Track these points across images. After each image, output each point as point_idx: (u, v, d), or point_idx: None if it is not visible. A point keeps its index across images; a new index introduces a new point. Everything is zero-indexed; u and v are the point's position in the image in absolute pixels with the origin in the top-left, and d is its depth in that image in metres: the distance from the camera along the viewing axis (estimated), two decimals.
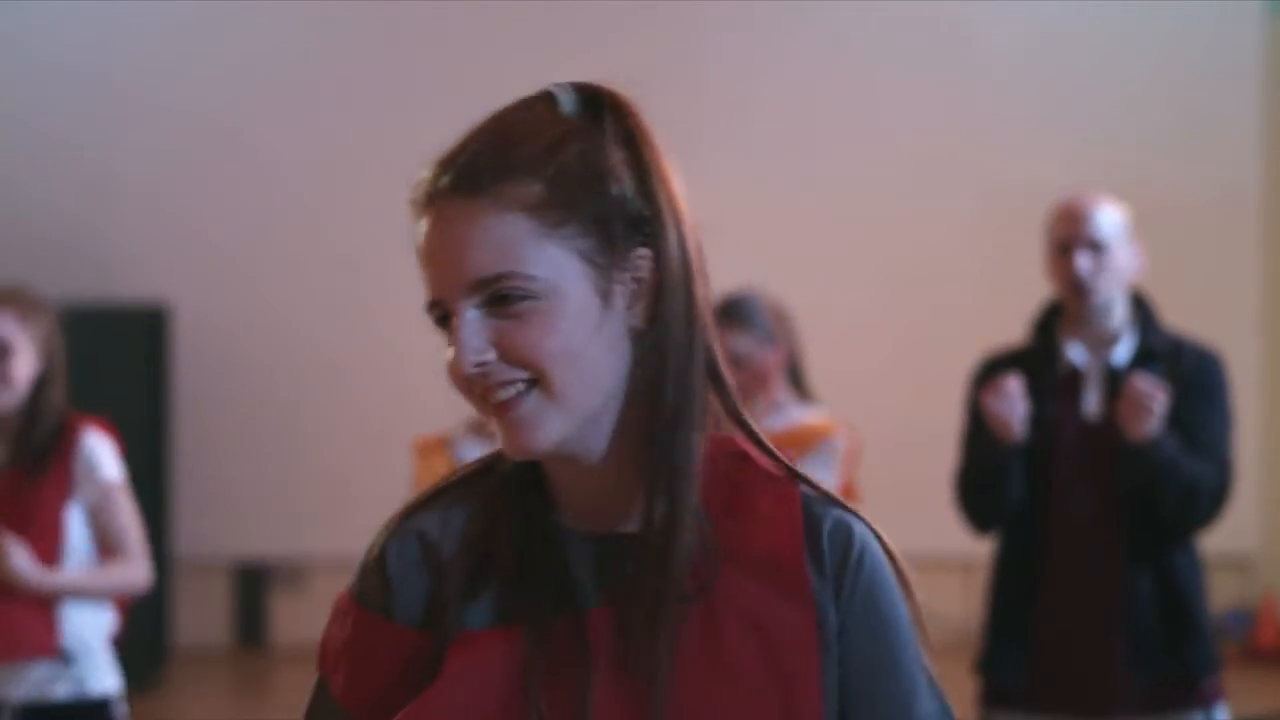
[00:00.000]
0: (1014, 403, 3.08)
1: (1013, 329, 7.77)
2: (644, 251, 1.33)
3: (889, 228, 7.65)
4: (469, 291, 1.34)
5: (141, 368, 6.94)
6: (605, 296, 1.31)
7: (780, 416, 3.54)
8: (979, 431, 3.26)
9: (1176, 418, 3.09)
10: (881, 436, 8.02)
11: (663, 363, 1.33)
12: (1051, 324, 3.32)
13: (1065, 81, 7.86)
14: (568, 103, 1.43)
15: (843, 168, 7.66)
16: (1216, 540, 7.94)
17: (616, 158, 1.37)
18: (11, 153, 7.59)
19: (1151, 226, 7.92)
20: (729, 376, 1.39)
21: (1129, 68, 7.89)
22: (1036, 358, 3.27)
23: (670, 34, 7.77)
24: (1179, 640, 3.09)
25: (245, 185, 7.65)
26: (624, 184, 1.35)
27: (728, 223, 6.95)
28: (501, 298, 1.31)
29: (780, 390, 3.56)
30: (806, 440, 3.48)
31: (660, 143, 1.43)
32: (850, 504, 1.49)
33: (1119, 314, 3.24)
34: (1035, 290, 8.01)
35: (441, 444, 3.24)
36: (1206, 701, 3.14)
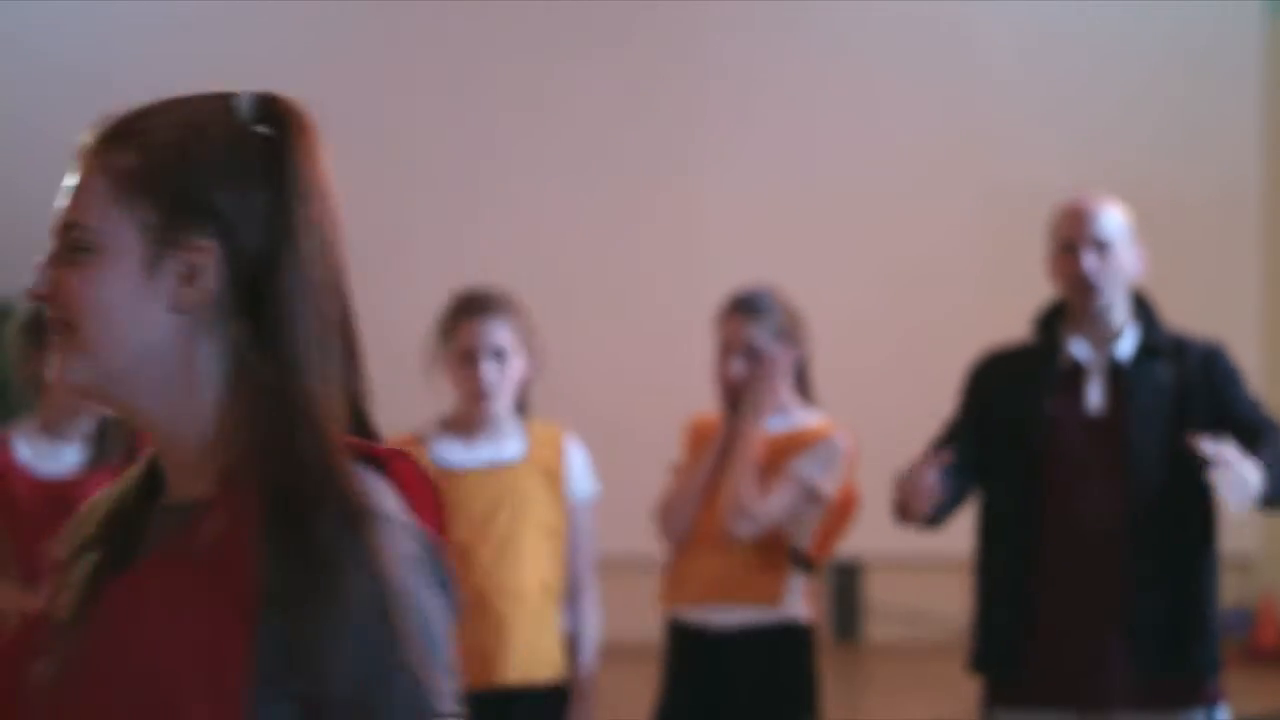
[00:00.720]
0: (922, 491, 3.10)
1: (1013, 328, 7.77)
2: (206, 243, 1.42)
3: (889, 228, 7.65)
4: (56, 232, 1.49)
5: None
6: (150, 270, 1.42)
7: (784, 418, 3.57)
8: (962, 424, 3.30)
9: (1223, 415, 3.13)
10: (881, 436, 8.02)
11: (263, 359, 1.41)
12: (1054, 321, 3.33)
13: (1065, 81, 7.86)
14: (240, 106, 1.55)
15: (843, 168, 7.66)
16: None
17: (254, 164, 1.48)
18: (13, 152, 7.61)
19: (1151, 226, 7.93)
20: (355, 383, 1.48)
21: (1129, 68, 7.89)
22: (1037, 353, 3.28)
23: (671, 34, 7.78)
24: (1186, 639, 3.09)
25: None
26: (245, 186, 1.46)
27: (728, 223, 7.03)
28: (69, 245, 1.45)
29: (786, 392, 3.59)
30: (808, 442, 3.50)
31: (326, 163, 1.61)
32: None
33: (1121, 312, 3.25)
34: (1036, 290, 8.01)
35: (414, 442, 3.27)
36: (1209, 701, 3.15)
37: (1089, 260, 3.19)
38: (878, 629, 7.79)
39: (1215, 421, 3.09)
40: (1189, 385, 3.14)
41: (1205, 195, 7.89)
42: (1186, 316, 8.49)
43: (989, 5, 7.87)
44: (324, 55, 7.73)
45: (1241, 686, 7.15)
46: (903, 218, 7.64)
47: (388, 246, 7.71)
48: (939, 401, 8.38)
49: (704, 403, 8.61)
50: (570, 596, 3.27)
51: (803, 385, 3.67)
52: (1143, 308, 3.29)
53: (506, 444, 3.28)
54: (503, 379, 3.26)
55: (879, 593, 7.80)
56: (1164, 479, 3.10)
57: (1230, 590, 7.86)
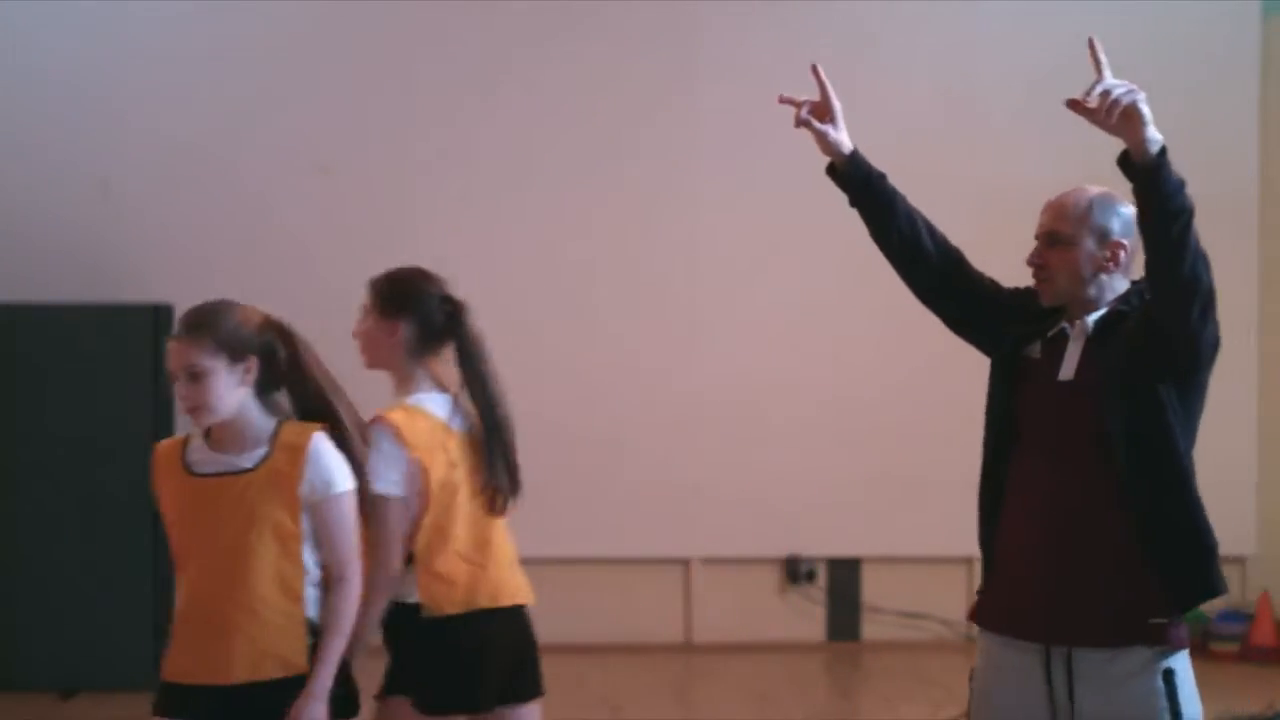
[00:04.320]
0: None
1: None
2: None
3: None
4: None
5: (142, 368, 6.96)
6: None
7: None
8: (994, 288, 3.62)
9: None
10: (880, 436, 8.05)
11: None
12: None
13: (1064, 81, 7.87)
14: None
15: None
16: None
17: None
18: (18, 161, 7.61)
19: None
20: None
21: (1128, 68, 7.88)
22: (1042, 311, 3.33)
23: (671, 34, 7.79)
24: (1144, 581, 3.12)
25: (245, 187, 7.67)
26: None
27: (725, 223, 7.04)
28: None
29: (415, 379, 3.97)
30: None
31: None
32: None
33: (1100, 297, 3.27)
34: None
35: (176, 445, 3.47)
36: (1161, 642, 3.16)
37: (1033, 254, 3.33)
38: (876, 628, 7.81)
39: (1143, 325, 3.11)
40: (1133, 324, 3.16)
41: (1203, 194, 7.87)
42: None
43: (989, 5, 7.88)
44: (322, 64, 7.74)
45: (1239, 685, 7.18)
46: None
47: (397, 247, 7.72)
48: (937, 402, 8.44)
49: (705, 404, 8.60)
50: (330, 587, 3.35)
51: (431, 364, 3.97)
52: (1133, 297, 3.29)
53: (248, 452, 3.38)
54: (207, 394, 3.34)
55: (877, 592, 7.81)
56: (1131, 431, 3.12)
57: (1228, 590, 7.92)
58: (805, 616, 7.86)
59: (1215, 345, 3.09)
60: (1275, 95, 7.94)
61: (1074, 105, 3.13)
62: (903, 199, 3.65)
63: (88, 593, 6.90)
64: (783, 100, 3.61)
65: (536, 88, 7.76)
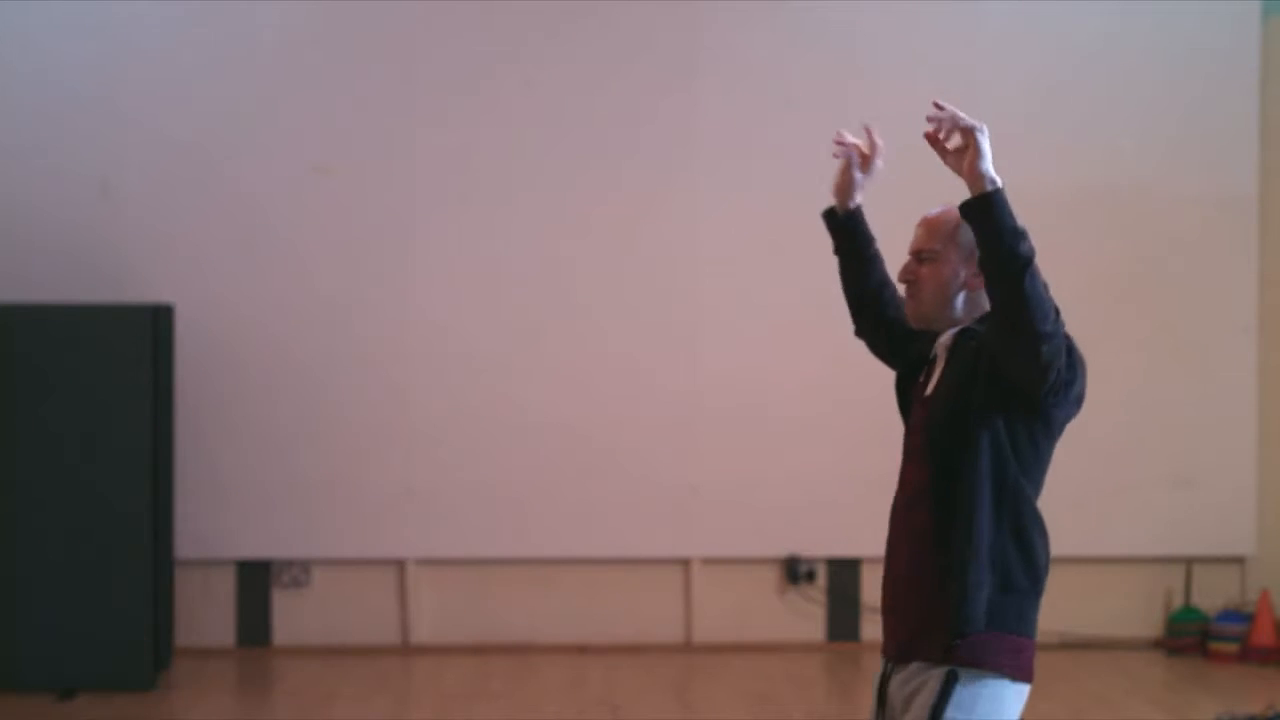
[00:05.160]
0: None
1: None
2: None
3: (888, 228, 7.65)
4: None
5: (142, 368, 6.96)
6: None
7: None
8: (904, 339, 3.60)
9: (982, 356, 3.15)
10: (880, 436, 8.04)
11: None
12: None
13: (1064, 80, 7.88)
14: None
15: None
16: (1214, 541, 7.99)
17: None
18: (18, 161, 7.61)
19: (1150, 226, 7.99)
20: None
21: (1128, 68, 7.90)
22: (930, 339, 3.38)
23: (671, 33, 7.79)
24: (942, 601, 3.12)
25: (245, 187, 7.67)
26: None
27: (725, 223, 7.07)
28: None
29: None
30: None
31: None
32: None
33: (966, 316, 3.28)
34: None
35: None
36: (956, 662, 3.11)
37: (904, 269, 3.35)
38: (875, 628, 7.81)
39: (983, 361, 3.10)
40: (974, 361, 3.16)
41: (1202, 195, 7.91)
42: (1183, 316, 8.55)
43: (989, 5, 7.88)
44: (323, 61, 7.74)
45: (1240, 686, 7.18)
46: (901, 219, 7.64)
47: (398, 248, 7.73)
48: None
49: (704, 404, 8.61)
50: None
51: None
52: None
53: None
54: None
55: (877, 592, 7.81)
56: (948, 450, 3.13)
57: (1227, 591, 7.91)
58: (805, 616, 7.86)
59: (1061, 390, 3.04)
60: (1275, 95, 7.93)
61: (929, 138, 3.26)
62: (881, 265, 3.71)
63: (88, 593, 6.90)
64: (838, 141, 3.72)
65: (535, 88, 7.75)
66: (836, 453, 7.75)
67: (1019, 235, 2.98)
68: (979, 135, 3.14)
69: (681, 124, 7.78)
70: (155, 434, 7.00)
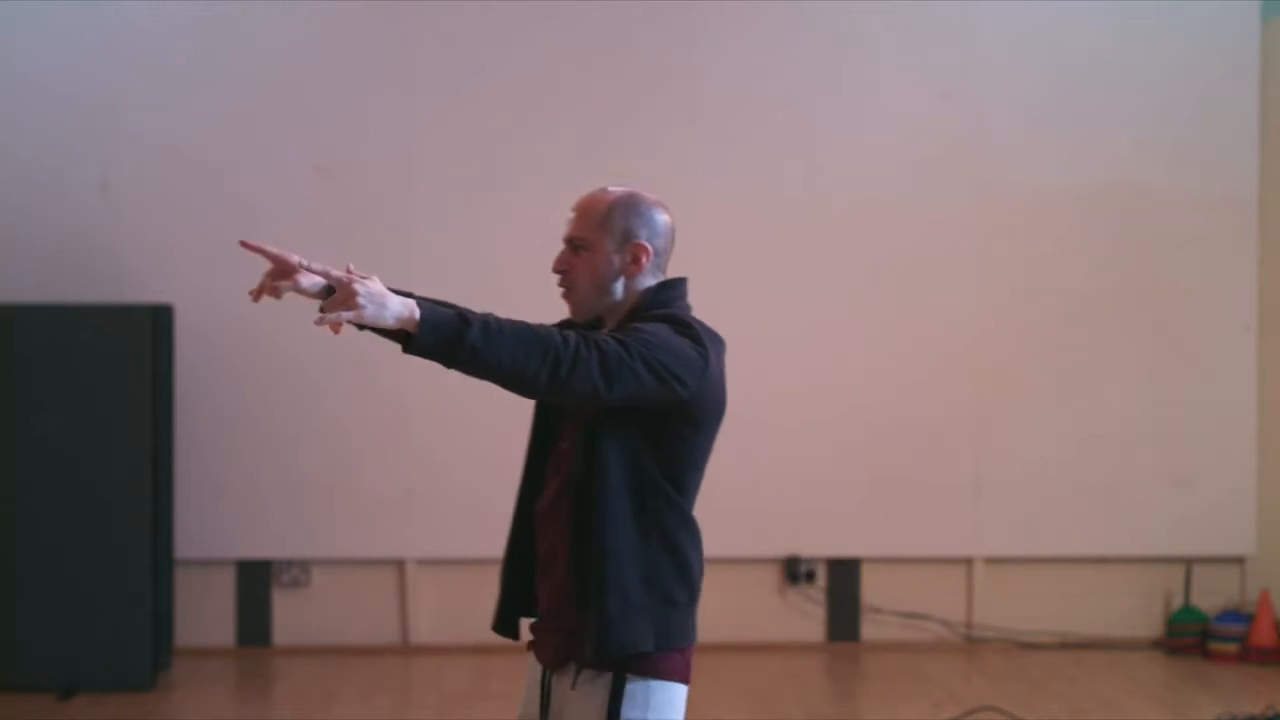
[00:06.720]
0: None
1: (1008, 328, 7.81)
2: None
3: (887, 228, 7.67)
4: None
5: (142, 368, 6.96)
6: None
7: None
8: None
9: None
10: (880, 437, 8.05)
11: None
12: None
13: (1063, 82, 7.88)
14: None
15: (841, 168, 7.67)
16: (1214, 541, 7.99)
17: None
18: (17, 162, 7.61)
19: (1149, 226, 7.99)
20: None
21: (1127, 68, 7.91)
22: None
23: (670, 33, 7.79)
24: (583, 605, 2.95)
25: (245, 188, 7.67)
26: None
27: (725, 224, 7.07)
28: None
29: None
30: None
31: None
32: None
33: (628, 298, 3.16)
34: (1031, 290, 8.02)
35: None
36: (596, 664, 2.96)
37: (558, 260, 3.19)
38: (875, 628, 7.81)
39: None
40: None
41: (1202, 195, 7.91)
42: (1182, 316, 8.54)
43: (989, 5, 7.88)
44: (324, 60, 7.74)
45: (1239, 686, 7.18)
46: (899, 219, 7.65)
47: (399, 247, 7.72)
48: (937, 403, 8.43)
49: None
50: None
51: None
52: (660, 304, 3.15)
53: None
54: None
55: (876, 592, 7.81)
56: (588, 454, 2.99)
57: (1227, 591, 7.91)
58: (805, 617, 7.86)
59: (634, 397, 2.90)
60: (1275, 96, 7.93)
61: (335, 330, 2.92)
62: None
63: (88, 593, 6.90)
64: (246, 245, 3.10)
65: (534, 88, 7.76)
66: (836, 453, 7.75)
67: (460, 340, 2.70)
68: (358, 288, 2.78)
69: (681, 124, 7.77)
70: (155, 434, 7.00)
